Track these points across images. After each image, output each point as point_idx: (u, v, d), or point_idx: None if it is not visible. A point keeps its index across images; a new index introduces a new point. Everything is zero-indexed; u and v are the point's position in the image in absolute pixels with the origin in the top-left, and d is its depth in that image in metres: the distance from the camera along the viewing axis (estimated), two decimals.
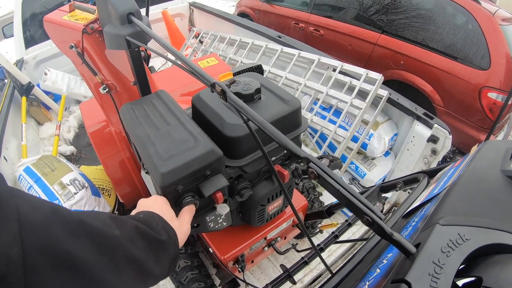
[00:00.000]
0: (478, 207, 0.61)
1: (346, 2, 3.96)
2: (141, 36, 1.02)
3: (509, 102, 3.01)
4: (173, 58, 0.82)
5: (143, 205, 0.79)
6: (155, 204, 0.78)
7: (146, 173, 1.04)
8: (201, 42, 3.08)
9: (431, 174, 1.15)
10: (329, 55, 3.90)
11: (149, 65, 3.15)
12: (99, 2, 1.11)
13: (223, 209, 0.99)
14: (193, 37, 3.16)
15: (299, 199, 1.56)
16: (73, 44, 1.35)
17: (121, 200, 2.15)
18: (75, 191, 2.00)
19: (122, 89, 1.42)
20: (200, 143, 0.90)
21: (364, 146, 2.13)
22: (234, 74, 1.38)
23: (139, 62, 1.15)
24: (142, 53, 2.88)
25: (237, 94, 1.02)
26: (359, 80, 2.05)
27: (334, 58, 2.38)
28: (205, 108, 1.05)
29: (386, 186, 1.28)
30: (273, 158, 1.11)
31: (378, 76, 1.95)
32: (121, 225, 0.59)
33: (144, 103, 1.10)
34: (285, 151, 1.13)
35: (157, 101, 1.10)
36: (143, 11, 1.32)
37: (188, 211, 0.85)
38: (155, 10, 3.43)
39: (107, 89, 1.40)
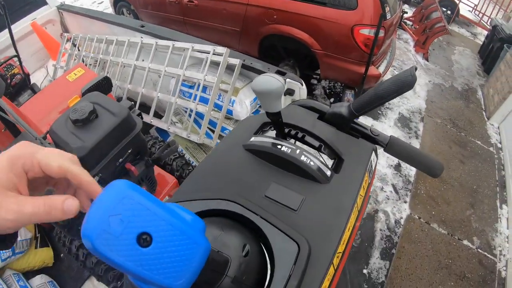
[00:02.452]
0: (209, 182, 0.70)
1: None
2: None
3: (381, 35, 3.33)
4: None
5: None
6: None
7: None
8: (74, 45, 3.10)
9: None
10: (207, 23, 3.99)
11: (31, 82, 3.16)
12: None
13: None
14: (66, 43, 3.16)
15: (168, 178, 1.82)
16: None
17: None
18: None
19: None
20: None
21: (229, 112, 2.38)
22: (83, 93, 1.55)
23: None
24: (20, 76, 2.87)
25: (76, 120, 1.21)
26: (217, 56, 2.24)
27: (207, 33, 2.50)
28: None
29: None
30: (121, 160, 1.33)
31: (223, 50, 2.16)
32: None
33: None
34: (129, 150, 1.36)
35: None
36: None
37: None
38: (25, 24, 3.32)
39: None
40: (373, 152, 0.81)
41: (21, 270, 2.09)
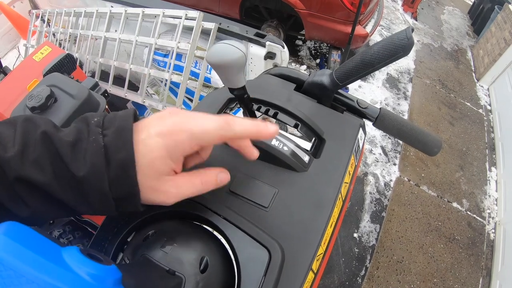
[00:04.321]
0: None
1: None
2: None
3: None
4: None
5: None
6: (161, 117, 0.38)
7: None
8: (43, 21, 2.85)
9: None
10: None
11: (3, 65, 2.92)
12: None
13: None
14: (36, 20, 2.91)
15: None
16: None
17: None
18: None
19: None
20: None
21: (207, 80, 2.21)
22: (45, 74, 1.39)
23: None
24: None
25: (33, 108, 1.06)
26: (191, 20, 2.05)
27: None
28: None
29: None
30: None
31: (196, 14, 1.99)
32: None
33: None
34: None
35: None
36: None
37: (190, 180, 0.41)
38: None
39: None
40: (361, 128, 0.68)
41: None
